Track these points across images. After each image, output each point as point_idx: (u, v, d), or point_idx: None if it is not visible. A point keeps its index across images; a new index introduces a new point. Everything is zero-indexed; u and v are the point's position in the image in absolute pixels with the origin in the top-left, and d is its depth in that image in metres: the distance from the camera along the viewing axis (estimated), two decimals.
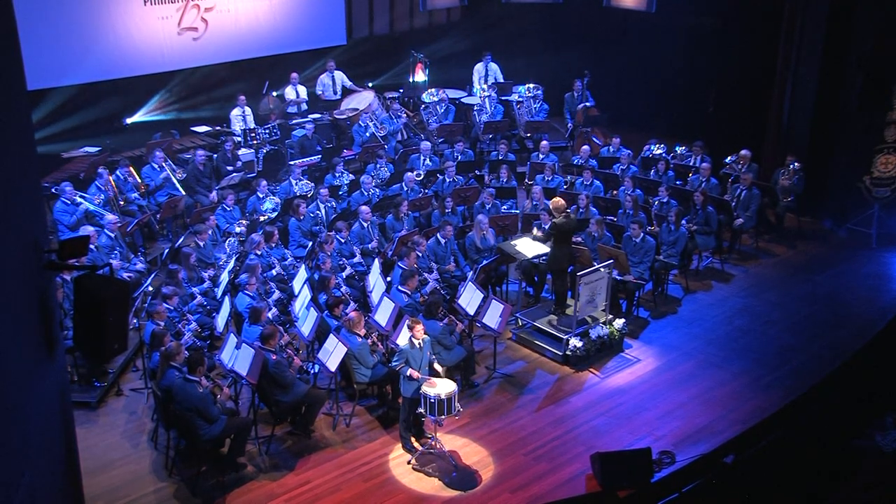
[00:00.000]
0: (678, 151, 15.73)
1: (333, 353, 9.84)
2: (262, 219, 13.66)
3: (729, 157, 15.14)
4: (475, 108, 17.94)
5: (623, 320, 11.84)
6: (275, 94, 17.39)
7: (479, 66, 18.76)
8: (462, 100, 18.38)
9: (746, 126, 16.29)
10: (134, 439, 9.99)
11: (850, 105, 14.87)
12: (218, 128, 16.55)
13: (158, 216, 13.97)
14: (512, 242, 12.41)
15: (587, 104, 17.62)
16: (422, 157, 15.62)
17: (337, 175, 14.94)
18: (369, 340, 10.28)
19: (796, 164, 14.70)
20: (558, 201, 11.64)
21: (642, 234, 12.49)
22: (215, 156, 15.39)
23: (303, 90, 17.56)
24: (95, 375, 10.77)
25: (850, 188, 14.82)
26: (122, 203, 13.77)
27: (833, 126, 15.20)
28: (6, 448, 5.33)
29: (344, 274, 12.14)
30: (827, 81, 15.08)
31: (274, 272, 12.18)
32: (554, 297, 12.05)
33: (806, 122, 15.48)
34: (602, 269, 11.49)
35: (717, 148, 15.62)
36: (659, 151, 15.64)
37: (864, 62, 14.50)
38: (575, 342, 11.33)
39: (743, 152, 14.91)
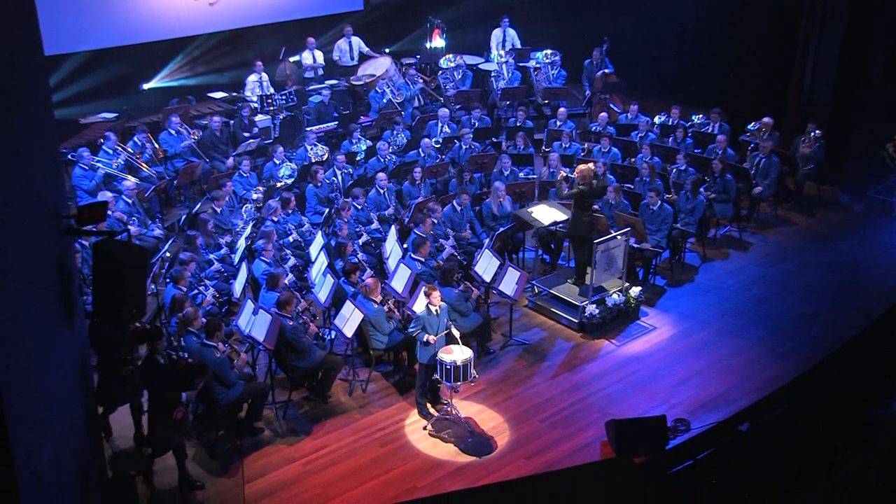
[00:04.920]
0: (695, 120, 15.58)
1: (350, 319, 9.89)
2: (278, 185, 13.67)
3: (751, 124, 14.99)
4: (492, 74, 17.82)
5: (640, 288, 11.82)
6: (291, 59, 17.31)
7: (496, 32, 18.59)
8: (479, 66, 18.25)
9: (767, 93, 16.11)
10: None
11: (874, 71, 14.65)
12: (234, 94, 16.53)
13: (176, 182, 14.01)
14: (529, 209, 12.37)
15: (606, 70, 17.46)
16: (439, 124, 15.56)
17: (354, 141, 14.92)
18: (385, 307, 10.31)
19: (817, 131, 14.53)
20: (588, 169, 11.48)
21: (660, 202, 12.42)
22: (232, 122, 15.40)
23: (319, 55, 17.48)
24: None
25: (872, 156, 14.63)
26: (151, 157, 13.82)
27: (856, 93, 14.99)
28: (31, 411, 5.40)
29: (360, 241, 12.16)
30: (851, 47, 14.85)
31: (290, 239, 12.21)
32: (574, 265, 12.01)
33: (828, 88, 15.27)
34: (619, 237, 11.46)
35: (737, 115, 15.45)
36: (659, 120, 15.48)
37: (891, 27, 14.25)
38: (591, 310, 11.33)
39: (765, 119, 14.76)
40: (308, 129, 15.54)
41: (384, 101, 16.55)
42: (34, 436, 5.43)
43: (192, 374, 8.61)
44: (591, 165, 11.70)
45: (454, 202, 12.66)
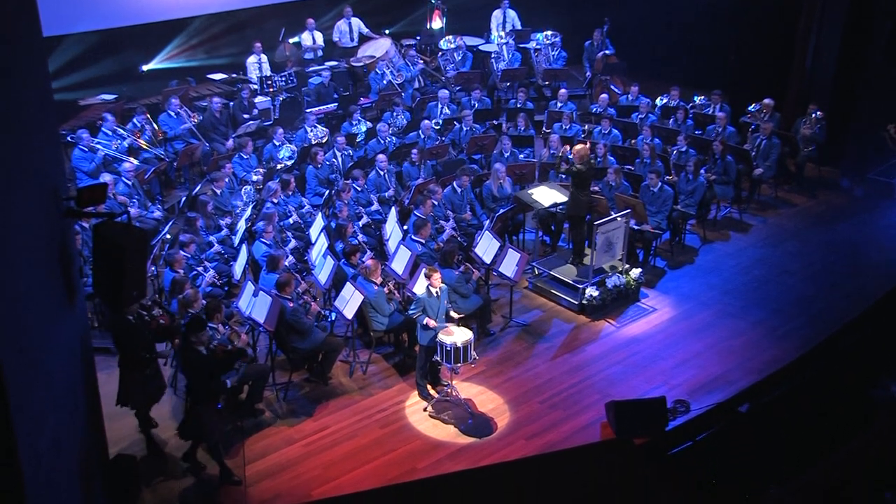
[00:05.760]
0: (696, 101, 15.55)
1: (350, 300, 9.89)
2: (278, 167, 13.66)
3: (752, 106, 14.95)
4: (493, 55, 17.76)
5: (640, 270, 11.82)
6: (291, 40, 17.24)
7: (497, 13, 18.51)
8: (480, 47, 18.18)
9: (769, 74, 16.04)
10: None
11: (876, 53, 14.59)
12: (234, 75, 16.48)
13: (175, 164, 14.00)
14: (529, 191, 12.36)
15: (606, 52, 17.39)
16: (439, 105, 15.52)
17: (354, 123, 14.89)
18: (385, 288, 10.32)
19: (818, 112, 14.49)
20: (584, 149, 11.53)
21: (660, 184, 12.41)
22: (231, 104, 15.35)
23: (319, 36, 17.41)
24: None
25: (873, 137, 14.59)
26: (151, 139, 13.80)
27: (858, 74, 14.93)
28: (32, 391, 5.42)
29: (360, 222, 12.15)
30: (853, 28, 14.79)
31: (291, 220, 12.20)
32: (571, 246, 12.04)
33: (830, 70, 15.23)
34: (619, 219, 11.45)
35: (738, 97, 15.40)
36: (661, 102, 15.43)
37: (893, 9, 14.18)
38: (591, 291, 11.33)
39: (766, 101, 14.71)
40: (308, 110, 15.50)
41: (384, 82, 16.50)
42: (36, 416, 5.45)
43: (231, 359, 8.63)
44: (586, 145, 11.72)
45: (454, 184, 12.65)
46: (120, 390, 8.80)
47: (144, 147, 13.69)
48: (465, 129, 14.76)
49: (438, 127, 14.90)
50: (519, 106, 15.61)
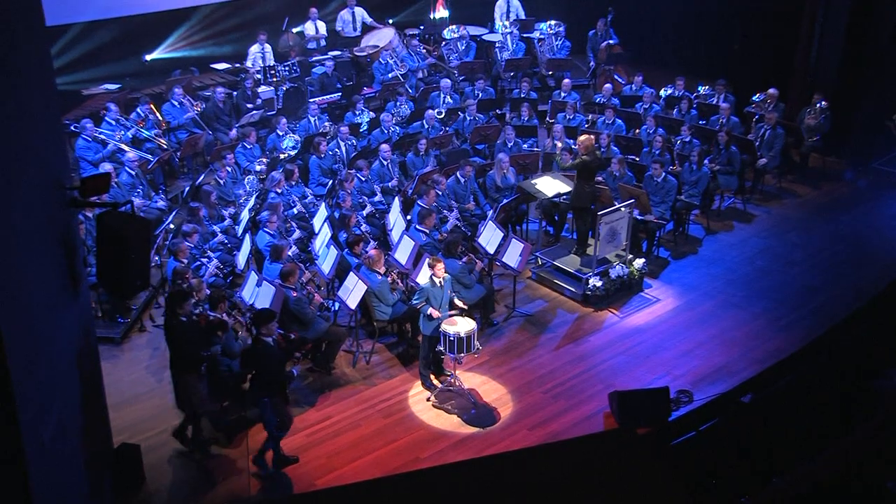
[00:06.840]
0: (701, 91, 15.51)
1: (353, 290, 9.90)
2: (282, 157, 13.66)
3: (756, 96, 14.90)
4: (496, 45, 17.71)
5: (643, 260, 11.81)
6: (294, 30, 17.21)
7: (500, 3, 18.44)
8: (483, 37, 18.12)
9: (773, 64, 15.99)
10: (157, 374, 10.12)
11: (881, 42, 14.53)
12: (238, 65, 16.46)
13: (179, 154, 14.00)
14: (532, 181, 12.35)
15: (610, 41, 17.34)
16: (442, 95, 15.49)
17: (357, 113, 14.87)
18: (389, 278, 10.33)
19: (823, 102, 14.45)
20: (588, 140, 11.53)
21: (664, 174, 12.39)
22: (235, 93, 15.35)
23: (322, 26, 17.38)
24: (119, 311, 10.91)
25: (878, 128, 14.55)
26: (160, 131, 13.84)
27: (862, 64, 14.87)
28: (37, 381, 5.43)
29: (364, 212, 12.16)
30: (858, 17, 14.72)
31: (294, 210, 12.20)
32: (576, 237, 12.04)
33: (835, 59, 15.15)
34: (623, 209, 11.43)
35: (743, 86, 15.36)
36: (666, 93, 15.40)
37: None
38: (595, 281, 11.33)
39: (770, 91, 14.66)
40: (311, 100, 15.48)
41: (390, 75, 16.47)
42: (40, 404, 5.47)
43: (294, 349, 8.63)
44: (591, 136, 11.72)
45: (458, 173, 12.64)
46: (184, 396, 8.79)
47: (160, 143, 13.67)
48: (468, 118, 14.74)
49: (441, 115, 14.88)
50: (522, 96, 15.58)
